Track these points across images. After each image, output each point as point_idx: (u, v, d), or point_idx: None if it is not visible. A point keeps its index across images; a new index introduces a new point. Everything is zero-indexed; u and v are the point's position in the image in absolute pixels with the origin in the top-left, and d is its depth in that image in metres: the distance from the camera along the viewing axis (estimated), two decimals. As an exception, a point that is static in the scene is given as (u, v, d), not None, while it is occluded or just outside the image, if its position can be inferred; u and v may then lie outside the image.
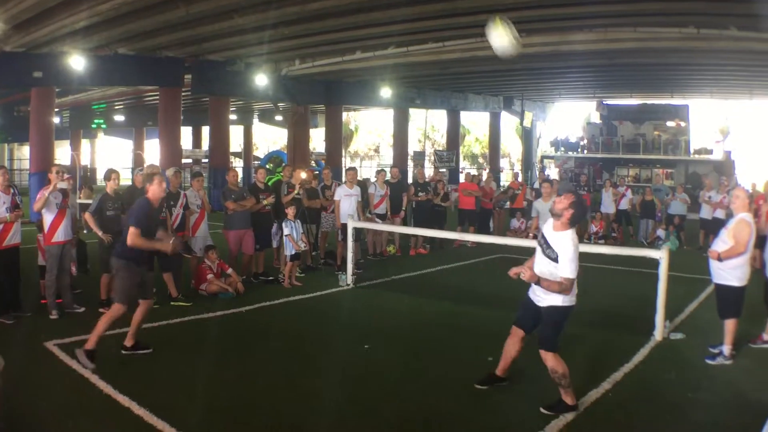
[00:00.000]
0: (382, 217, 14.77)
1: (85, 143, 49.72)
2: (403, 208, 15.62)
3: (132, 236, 6.99)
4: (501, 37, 5.61)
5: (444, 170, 29.68)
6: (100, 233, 9.35)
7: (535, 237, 8.80)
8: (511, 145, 63.51)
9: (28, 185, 25.66)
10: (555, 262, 5.85)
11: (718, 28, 16.62)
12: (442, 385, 6.78)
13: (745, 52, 18.81)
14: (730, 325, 7.52)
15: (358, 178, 18.08)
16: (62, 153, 44.50)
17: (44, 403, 6.05)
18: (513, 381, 6.65)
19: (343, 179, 14.05)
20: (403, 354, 7.86)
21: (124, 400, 6.03)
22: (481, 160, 63.00)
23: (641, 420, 5.95)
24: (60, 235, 9.10)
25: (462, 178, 20.01)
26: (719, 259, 7.49)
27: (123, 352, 7.42)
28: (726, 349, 7.52)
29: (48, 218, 9.04)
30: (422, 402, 6.29)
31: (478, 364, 7.13)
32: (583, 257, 12.94)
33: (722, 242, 7.59)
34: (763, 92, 30.91)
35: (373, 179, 16.71)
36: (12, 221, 8.76)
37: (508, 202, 20.49)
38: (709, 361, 7.51)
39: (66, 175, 9.24)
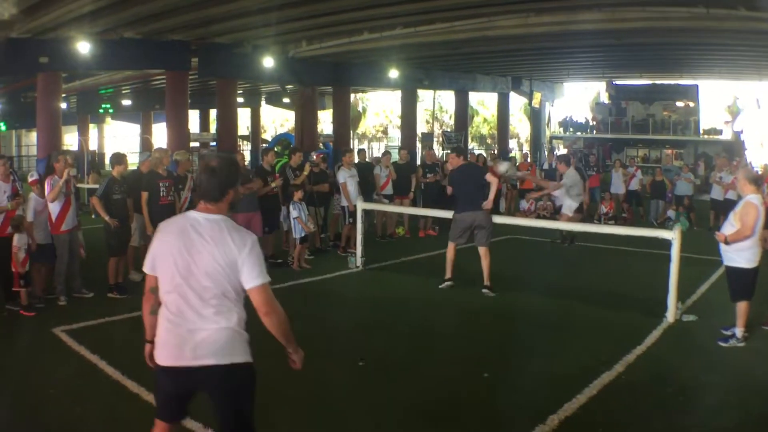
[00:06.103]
0: (390, 198, 14.87)
1: (93, 128, 49.68)
2: (412, 190, 15.55)
3: None
4: None
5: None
6: (106, 218, 9.33)
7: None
8: (520, 126, 63.27)
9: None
10: None
11: (726, 7, 16.39)
12: (452, 367, 6.76)
13: (754, 32, 18.60)
14: (742, 307, 7.45)
15: (367, 159, 18.02)
16: (70, 138, 44.49)
17: (52, 390, 6.04)
18: (528, 363, 6.62)
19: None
20: (411, 336, 7.84)
21: (132, 386, 6.00)
22: (489, 141, 62.73)
23: (653, 402, 5.92)
24: (69, 223, 9.12)
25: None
26: (726, 242, 7.44)
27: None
28: (738, 331, 7.46)
29: (56, 208, 9.00)
30: (433, 385, 6.26)
31: (489, 344, 7.09)
32: (594, 238, 12.88)
33: (730, 225, 7.52)
34: (772, 73, 30.55)
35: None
36: (13, 209, 8.72)
37: (517, 182, 20.35)
38: (721, 344, 7.46)
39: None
